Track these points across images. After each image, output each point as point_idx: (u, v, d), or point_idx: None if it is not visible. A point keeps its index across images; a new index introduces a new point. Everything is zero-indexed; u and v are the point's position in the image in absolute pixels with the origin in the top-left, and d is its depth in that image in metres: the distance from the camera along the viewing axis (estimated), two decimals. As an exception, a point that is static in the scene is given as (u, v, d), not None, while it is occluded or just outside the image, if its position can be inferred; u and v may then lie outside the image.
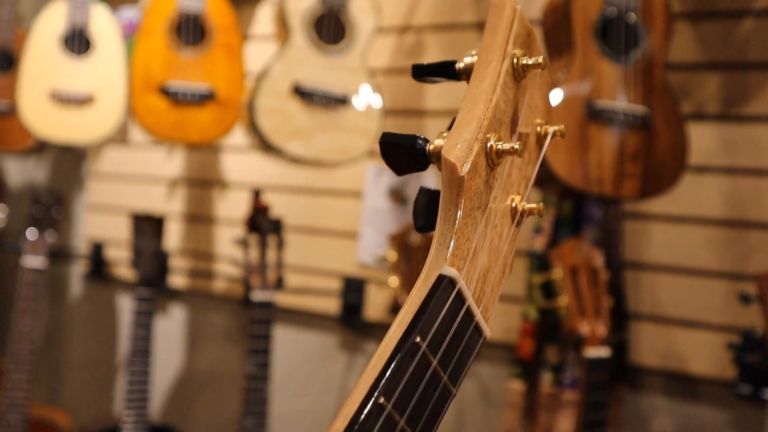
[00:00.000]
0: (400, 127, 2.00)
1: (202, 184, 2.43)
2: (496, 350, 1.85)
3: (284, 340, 2.20)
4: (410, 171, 0.38)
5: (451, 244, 0.35)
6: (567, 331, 1.31)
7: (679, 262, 1.68)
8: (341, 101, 1.66)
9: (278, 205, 2.11)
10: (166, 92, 1.81)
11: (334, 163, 1.68)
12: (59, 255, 2.72)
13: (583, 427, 1.28)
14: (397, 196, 2.05)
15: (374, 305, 2.08)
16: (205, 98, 1.83)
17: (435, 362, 0.35)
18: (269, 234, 1.72)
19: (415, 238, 1.57)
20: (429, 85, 2.02)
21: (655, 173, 1.39)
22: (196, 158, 2.45)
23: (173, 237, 2.44)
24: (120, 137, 2.59)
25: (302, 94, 1.62)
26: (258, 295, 1.68)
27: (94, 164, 2.71)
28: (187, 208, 2.44)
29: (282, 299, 2.15)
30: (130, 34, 2.33)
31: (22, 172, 2.89)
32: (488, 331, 0.43)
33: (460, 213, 0.35)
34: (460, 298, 0.36)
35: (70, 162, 2.78)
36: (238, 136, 2.21)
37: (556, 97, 1.33)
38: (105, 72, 1.98)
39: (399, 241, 1.55)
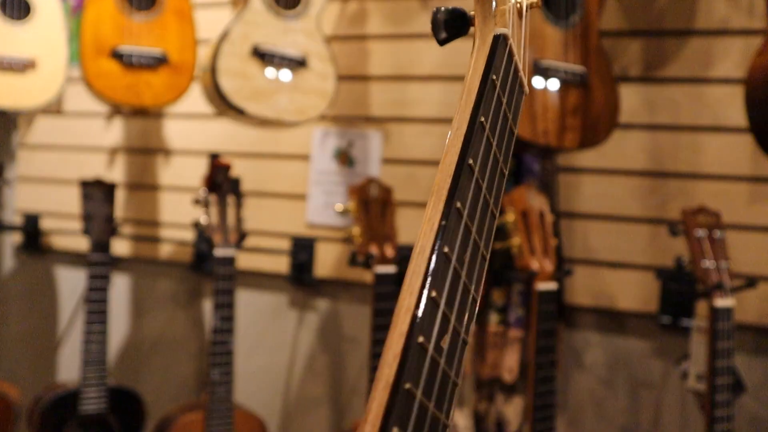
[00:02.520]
0: (346, 90, 2.09)
1: (144, 151, 2.44)
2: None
3: (236, 301, 2.26)
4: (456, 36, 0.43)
5: (496, 16, 0.40)
6: (519, 268, 1.46)
7: (607, 210, 1.86)
8: (299, 63, 1.74)
9: (227, 169, 2.17)
10: (118, 56, 1.83)
11: (292, 122, 1.75)
12: (-10, 228, 2.66)
13: (536, 353, 1.43)
14: (343, 157, 2.15)
15: (324, 263, 2.18)
16: (157, 62, 1.86)
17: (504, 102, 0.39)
18: (228, 193, 1.78)
19: (373, 191, 1.67)
20: (371, 51, 2.12)
21: (592, 126, 1.56)
22: (137, 126, 2.45)
23: (116, 205, 2.45)
24: (54, 107, 2.56)
25: (262, 56, 1.69)
26: (220, 252, 1.75)
27: (26, 135, 2.66)
28: (129, 177, 2.45)
29: (232, 261, 2.21)
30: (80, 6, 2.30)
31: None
32: (527, 89, 0.49)
33: (495, 4, 0.41)
34: (511, 54, 0.40)
35: (-2, 133, 2.71)
36: (182, 103, 2.24)
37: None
38: (46, 37, 1.97)
39: (358, 193, 1.65)
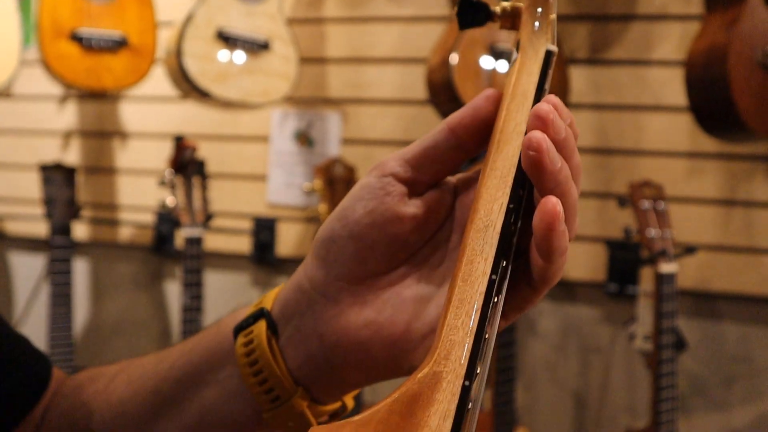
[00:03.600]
0: (305, 73, 2.13)
1: (100, 135, 2.43)
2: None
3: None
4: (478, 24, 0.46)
5: (547, 29, 0.43)
6: None
7: (557, 186, 1.97)
8: (262, 47, 1.78)
9: (187, 152, 2.19)
10: (77, 39, 1.83)
11: (257, 104, 1.80)
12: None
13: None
14: (303, 138, 2.20)
15: (285, 242, 2.23)
16: (117, 45, 1.87)
17: None
18: (194, 175, 1.81)
19: (338, 169, 1.74)
20: (329, 34, 2.17)
21: (545, 106, 1.65)
22: (91, 109, 2.44)
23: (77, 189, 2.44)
24: (4, 90, 2.52)
25: (226, 39, 1.72)
26: (188, 232, 1.79)
27: (-26, 119, 2.61)
28: (84, 160, 2.44)
29: (194, 242, 2.24)
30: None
31: None
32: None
33: (540, 11, 0.43)
34: (551, 71, 0.43)
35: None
36: (138, 86, 2.24)
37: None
38: (-1, 20, 1.95)
39: (324, 172, 1.71)
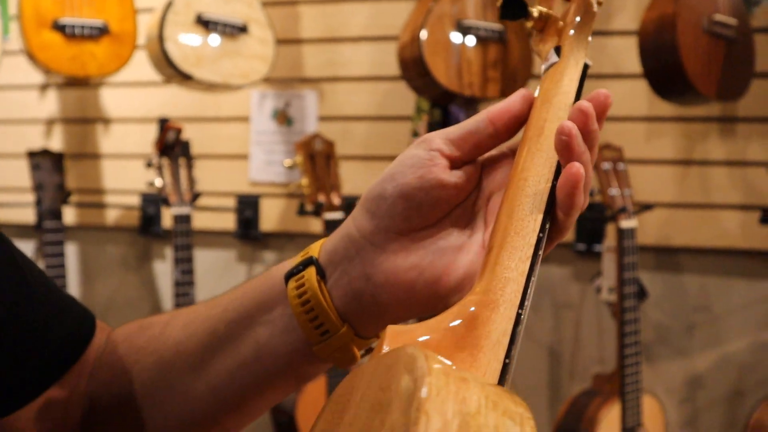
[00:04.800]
0: (281, 53, 2.21)
1: (83, 121, 2.49)
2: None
3: (185, 259, 2.38)
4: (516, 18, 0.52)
5: (586, 45, 0.51)
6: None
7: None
8: (241, 30, 1.86)
9: (170, 134, 2.26)
10: (59, 28, 1.89)
11: (238, 86, 1.88)
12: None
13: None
14: (282, 117, 2.28)
15: (268, 218, 2.32)
16: (99, 32, 1.93)
17: None
18: (180, 156, 1.89)
19: (318, 144, 1.83)
20: (302, 15, 2.25)
21: (511, 78, 1.75)
22: (72, 96, 2.50)
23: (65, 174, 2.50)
24: (-15, 80, 2.56)
25: (206, 24, 1.80)
26: (176, 210, 1.87)
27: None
28: (68, 147, 2.50)
29: (180, 222, 2.32)
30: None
31: None
32: None
33: (584, 30, 0.51)
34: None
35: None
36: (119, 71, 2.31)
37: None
38: (-21, 12, 2.00)
39: (304, 148, 1.80)
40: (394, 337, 0.39)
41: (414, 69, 1.73)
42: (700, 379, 2.04)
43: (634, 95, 1.98)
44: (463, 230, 0.48)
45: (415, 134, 2.00)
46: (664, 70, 1.58)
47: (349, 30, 2.20)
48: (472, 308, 0.40)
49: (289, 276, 0.49)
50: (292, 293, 0.48)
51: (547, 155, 0.45)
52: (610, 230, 1.83)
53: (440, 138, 0.48)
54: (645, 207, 1.68)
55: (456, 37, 1.70)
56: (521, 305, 0.40)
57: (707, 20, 1.57)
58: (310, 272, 0.48)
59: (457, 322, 0.40)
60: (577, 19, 0.51)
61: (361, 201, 0.48)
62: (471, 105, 1.95)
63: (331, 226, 1.79)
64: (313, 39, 2.23)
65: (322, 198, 1.78)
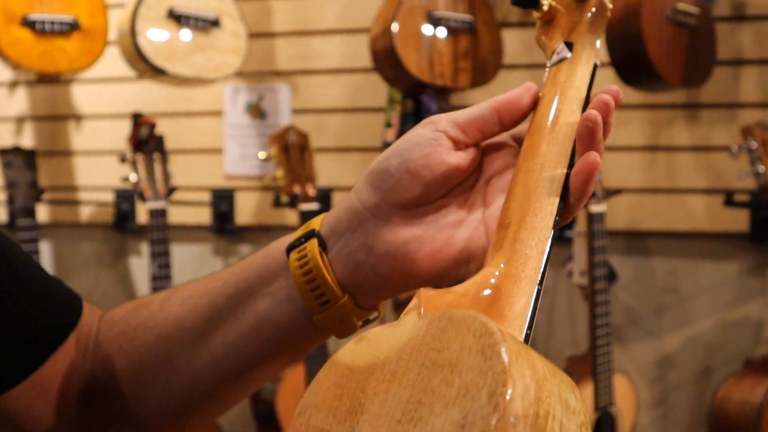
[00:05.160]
0: (253, 47, 2.22)
1: (54, 118, 2.48)
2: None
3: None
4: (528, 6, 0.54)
5: (598, 47, 0.53)
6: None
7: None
8: (213, 24, 1.87)
9: (143, 129, 2.26)
10: (29, 24, 1.88)
11: (211, 80, 1.89)
12: None
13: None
14: (255, 111, 2.29)
15: (244, 211, 2.33)
16: (69, 28, 1.92)
17: None
18: (155, 150, 1.90)
19: (292, 137, 1.84)
20: (274, 9, 2.26)
21: (482, 68, 1.78)
22: (42, 93, 2.48)
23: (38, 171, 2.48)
24: (-48, 78, 2.53)
25: (178, 18, 1.80)
26: (152, 205, 1.87)
27: None
28: (39, 144, 2.48)
29: (155, 217, 2.32)
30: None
31: None
32: None
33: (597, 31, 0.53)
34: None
35: None
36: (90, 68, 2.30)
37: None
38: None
39: (279, 140, 1.82)
40: (429, 300, 0.40)
41: (386, 60, 1.75)
42: (669, 359, 2.10)
43: (601, 83, 2.02)
44: (461, 208, 0.50)
45: (388, 125, 2.03)
46: (630, 58, 1.62)
47: (320, 23, 2.21)
48: (494, 280, 0.42)
49: (290, 248, 0.51)
50: (294, 264, 0.50)
51: (562, 144, 0.47)
52: (581, 215, 1.87)
53: (447, 120, 0.50)
54: (614, 192, 1.72)
55: (427, 28, 1.73)
56: (540, 282, 0.42)
57: (671, 9, 1.61)
58: (312, 244, 0.50)
59: (487, 292, 0.41)
60: (589, 16, 0.53)
61: (366, 175, 0.50)
62: (443, 95, 1.98)
63: (306, 217, 1.81)
64: (285, 32, 2.24)
65: (297, 189, 1.80)
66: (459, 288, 0.42)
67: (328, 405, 0.38)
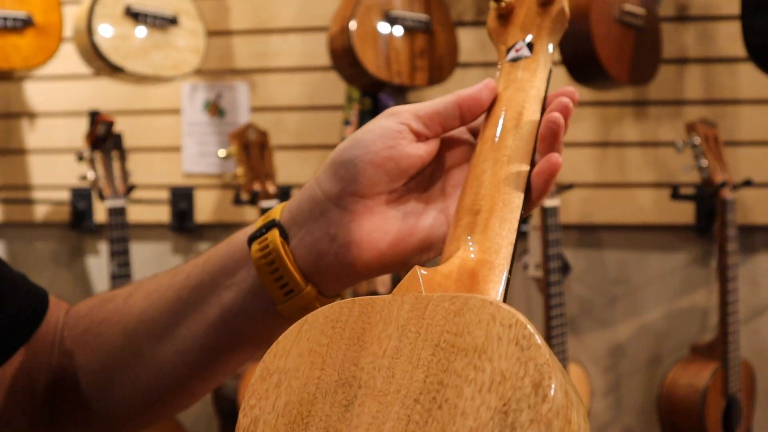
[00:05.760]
0: (211, 45, 2.22)
1: (6, 116, 2.44)
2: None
3: (119, 253, 2.36)
4: None
5: (552, 49, 0.56)
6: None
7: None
8: (171, 22, 1.87)
9: (100, 128, 2.24)
10: (-19, 21, 1.86)
11: (170, 78, 1.89)
12: None
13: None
14: (213, 109, 2.30)
15: (203, 209, 2.33)
16: (23, 24, 1.90)
17: None
18: (113, 149, 1.89)
19: (252, 134, 1.86)
20: (232, 7, 2.26)
21: (438, 66, 1.82)
22: (-6, 91, 2.44)
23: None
24: None
25: (135, 16, 1.80)
26: (111, 203, 1.87)
27: None
28: (-8, 143, 2.45)
29: (113, 215, 2.31)
30: None
31: None
32: None
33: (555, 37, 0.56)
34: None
35: None
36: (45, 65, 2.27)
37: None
38: None
39: (238, 138, 1.83)
40: (427, 280, 0.41)
41: (344, 59, 1.78)
42: (621, 348, 2.17)
43: (553, 82, 2.08)
44: (421, 197, 0.52)
45: (347, 123, 2.06)
46: (580, 57, 1.68)
47: (278, 21, 2.23)
48: (472, 265, 0.43)
49: (252, 239, 0.51)
50: (256, 255, 0.50)
51: (527, 141, 0.49)
52: (536, 210, 1.93)
53: (409, 113, 0.51)
54: (567, 187, 1.78)
55: (384, 27, 1.76)
56: (509, 271, 0.44)
57: (618, 10, 1.67)
58: (274, 234, 0.50)
59: (465, 275, 0.43)
60: (550, 21, 0.55)
61: (328, 165, 0.51)
62: (400, 93, 2.01)
63: (267, 214, 1.83)
64: (243, 30, 2.25)
65: (257, 187, 1.82)
66: (443, 268, 0.43)
67: (305, 373, 0.37)
